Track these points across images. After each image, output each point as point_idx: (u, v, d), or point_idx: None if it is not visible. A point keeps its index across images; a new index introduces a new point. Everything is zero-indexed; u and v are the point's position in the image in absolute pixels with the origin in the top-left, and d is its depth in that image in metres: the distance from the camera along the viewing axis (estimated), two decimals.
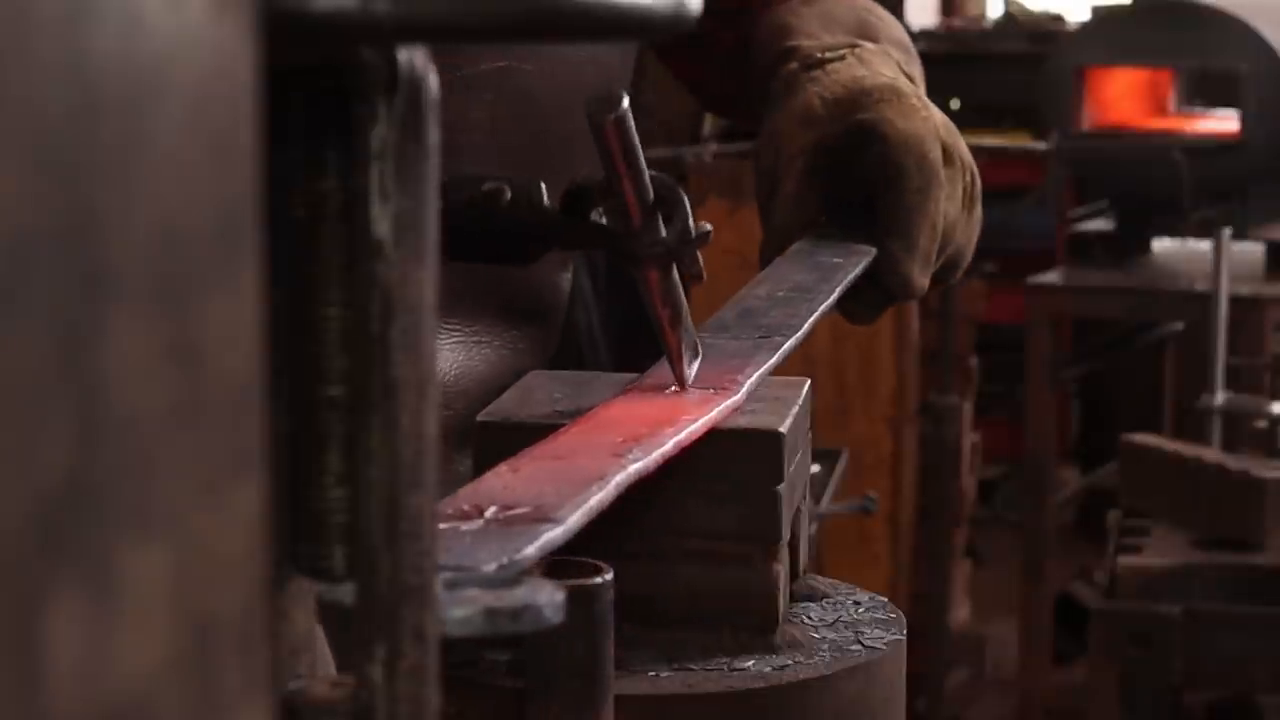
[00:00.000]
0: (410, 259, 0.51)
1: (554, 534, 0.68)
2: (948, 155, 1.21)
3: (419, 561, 0.52)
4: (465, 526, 0.67)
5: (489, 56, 1.16)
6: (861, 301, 1.18)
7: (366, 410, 0.51)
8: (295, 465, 0.53)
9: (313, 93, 0.52)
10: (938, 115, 1.22)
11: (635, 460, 0.78)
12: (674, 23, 0.52)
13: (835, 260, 1.14)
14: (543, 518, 0.69)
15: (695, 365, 0.93)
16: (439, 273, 0.52)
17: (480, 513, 0.69)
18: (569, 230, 0.91)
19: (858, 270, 1.14)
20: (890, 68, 1.26)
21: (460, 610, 0.56)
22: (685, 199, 0.89)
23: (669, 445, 0.81)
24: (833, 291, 1.09)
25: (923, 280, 1.19)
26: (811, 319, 1.03)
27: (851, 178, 1.20)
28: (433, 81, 0.51)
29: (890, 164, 1.18)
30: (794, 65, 1.27)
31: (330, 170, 0.52)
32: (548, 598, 0.58)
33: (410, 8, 0.48)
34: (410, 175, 0.51)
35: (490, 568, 0.63)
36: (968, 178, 1.23)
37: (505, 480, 0.74)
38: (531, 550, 0.66)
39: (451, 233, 0.90)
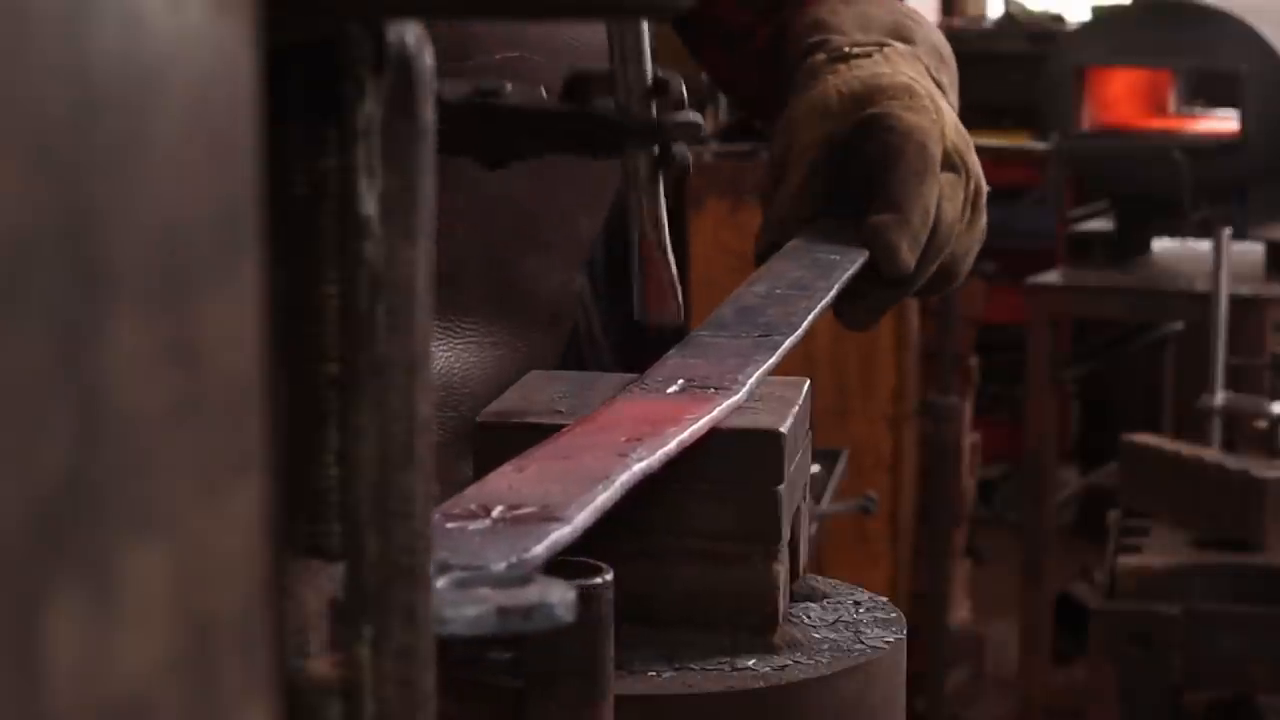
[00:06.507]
0: (399, 238, 0.50)
1: (562, 533, 0.68)
2: (951, 160, 1.21)
3: (411, 543, 0.51)
4: (473, 526, 0.67)
5: (499, 46, 1.16)
6: (857, 299, 1.18)
7: (357, 388, 0.51)
8: (296, 442, 0.52)
9: (313, 70, 0.51)
10: (950, 118, 1.23)
11: (640, 460, 0.78)
12: (668, 5, 0.52)
13: (833, 257, 1.14)
14: (550, 517, 0.69)
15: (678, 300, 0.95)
16: (433, 251, 0.51)
17: (487, 512, 0.69)
18: (565, 118, 0.92)
19: (855, 267, 1.13)
20: (914, 69, 1.27)
21: (472, 609, 0.56)
22: (683, 86, 0.90)
23: (673, 444, 0.81)
24: (830, 289, 1.08)
25: (909, 256, 1.18)
26: (810, 317, 1.03)
27: (855, 171, 1.21)
28: (426, 59, 0.50)
29: (890, 149, 1.19)
30: (821, 57, 1.28)
31: (331, 148, 0.51)
32: (559, 596, 0.57)
33: None
34: (399, 153, 0.50)
35: (499, 567, 0.63)
36: (971, 188, 1.23)
37: (510, 480, 0.74)
38: (540, 549, 0.66)
39: (449, 129, 0.92)
